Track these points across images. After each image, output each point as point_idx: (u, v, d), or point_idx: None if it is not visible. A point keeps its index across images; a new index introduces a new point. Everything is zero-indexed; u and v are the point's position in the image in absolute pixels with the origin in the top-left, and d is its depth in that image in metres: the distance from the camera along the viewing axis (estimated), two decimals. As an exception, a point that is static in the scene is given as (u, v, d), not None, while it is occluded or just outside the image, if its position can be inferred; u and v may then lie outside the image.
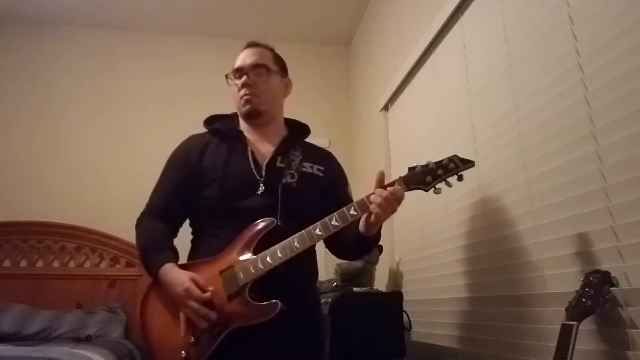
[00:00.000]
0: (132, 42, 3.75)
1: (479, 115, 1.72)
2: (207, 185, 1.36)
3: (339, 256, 1.53)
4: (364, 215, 1.24)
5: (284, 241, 1.23)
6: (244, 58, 1.44)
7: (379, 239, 1.34)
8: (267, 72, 1.42)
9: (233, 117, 1.51)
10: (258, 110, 1.42)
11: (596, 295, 1.01)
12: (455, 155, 1.25)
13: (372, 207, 1.20)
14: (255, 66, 1.41)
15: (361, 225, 1.28)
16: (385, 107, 2.87)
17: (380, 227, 1.29)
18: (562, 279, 1.23)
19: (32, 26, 3.62)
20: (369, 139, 3.28)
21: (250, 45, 1.47)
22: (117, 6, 3.46)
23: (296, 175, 1.38)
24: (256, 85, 1.41)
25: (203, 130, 1.49)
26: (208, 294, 1.23)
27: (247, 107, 1.41)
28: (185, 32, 3.79)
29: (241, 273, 1.23)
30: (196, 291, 1.22)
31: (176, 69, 3.75)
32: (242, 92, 1.40)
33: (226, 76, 1.46)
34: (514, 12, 1.53)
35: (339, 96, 3.90)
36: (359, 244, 1.35)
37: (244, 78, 1.40)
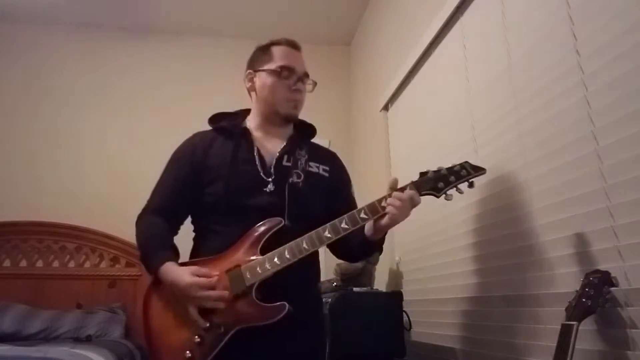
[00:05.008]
0: (133, 43, 3.74)
1: (479, 115, 1.72)
2: (212, 182, 1.34)
3: (339, 257, 1.53)
4: (372, 220, 1.24)
5: (292, 242, 1.22)
6: (297, 62, 1.44)
7: (382, 244, 1.35)
8: (309, 83, 1.47)
9: (238, 114, 1.51)
10: (297, 116, 1.46)
11: (596, 295, 1.01)
12: (467, 162, 1.25)
13: (388, 208, 1.20)
14: (306, 75, 1.45)
15: (368, 229, 1.28)
16: (385, 107, 2.87)
17: (386, 233, 1.30)
18: (562, 279, 1.23)
19: (30, 25, 3.61)
20: (369, 139, 3.28)
21: (297, 46, 1.47)
22: (117, 6, 3.46)
23: (302, 175, 1.38)
24: (302, 94, 1.44)
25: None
26: (214, 279, 1.21)
27: (295, 111, 1.44)
28: (184, 32, 3.78)
29: (248, 273, 1.22)
30: (201, 280, 1.21)
31: (180, 69, 3.75)
32: (295, 95, 1.42)
33: (273, 70, 1.41)
34: (514, 12, 1.53)
35: (339, 96, 3.90)
36: (362, 248, 1.35)
37: (299, 84, 1.42)
